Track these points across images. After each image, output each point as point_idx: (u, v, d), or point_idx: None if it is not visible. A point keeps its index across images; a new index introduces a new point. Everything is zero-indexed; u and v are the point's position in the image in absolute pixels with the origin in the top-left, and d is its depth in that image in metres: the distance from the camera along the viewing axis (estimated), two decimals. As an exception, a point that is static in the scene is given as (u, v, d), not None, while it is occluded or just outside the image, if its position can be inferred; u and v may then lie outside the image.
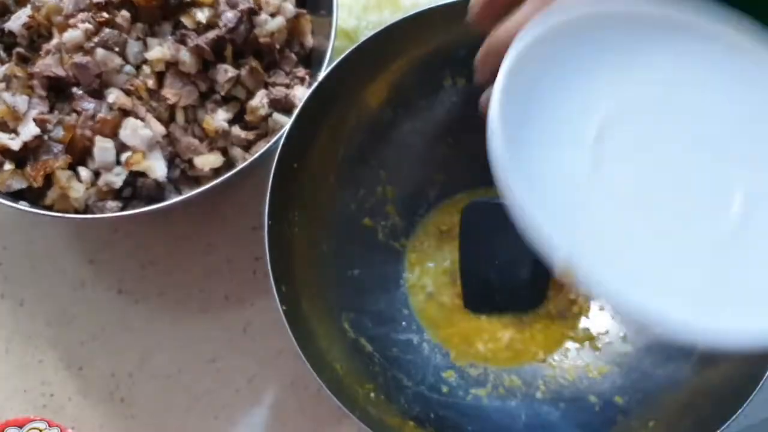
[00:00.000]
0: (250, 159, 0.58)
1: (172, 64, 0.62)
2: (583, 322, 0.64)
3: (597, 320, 0.64)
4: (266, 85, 0.64)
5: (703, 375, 0.54)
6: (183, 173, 0.63)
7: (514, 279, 0.63)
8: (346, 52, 0.58)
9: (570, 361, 0.62)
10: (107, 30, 0.60)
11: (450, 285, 0.66)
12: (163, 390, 0.64)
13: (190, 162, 0.62)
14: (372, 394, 0.55)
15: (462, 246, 0.64)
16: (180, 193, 0.63)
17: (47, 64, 0.59)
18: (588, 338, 0.63)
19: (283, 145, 0.54)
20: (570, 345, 0.63)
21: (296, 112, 0.56)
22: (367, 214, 0.65)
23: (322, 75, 0.57)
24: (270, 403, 0.64)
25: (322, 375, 0.49)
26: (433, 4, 0.59)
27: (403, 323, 0.64)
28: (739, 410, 0.49)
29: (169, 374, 0.65)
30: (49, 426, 0.53)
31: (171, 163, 0.63)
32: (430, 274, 0.66)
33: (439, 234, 0.68)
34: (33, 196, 0.60)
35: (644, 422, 0.54)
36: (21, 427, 0.53)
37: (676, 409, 0.54)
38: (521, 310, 0.64)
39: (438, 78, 0.64)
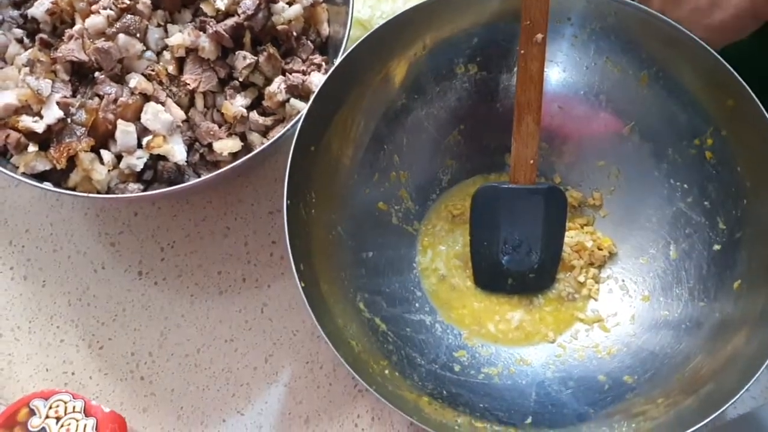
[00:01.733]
0: (267, 143, 0.60)
1: (191, 51, 0.63)
2: (592, 305, 0.65)
3: (606, 302, 0.65)
4: (283, 72, 0.65)
5: (711, 352, 0.56)
6: (202, 157, 0.64)
7: (524, 261, 0.64)
8: (361, 39, 0.59)
9: (579, 342, 0.63)
10: (129, 16, 0.62)
11: (462, 268, 0.67)
12: (182, 369, 0.66)
13: (209, 146, 0.64)
14: (387, 371, 0.57)
15: (473, 229, 0.65)
16: (199, 177, 0.64)
17: (70, 49, 0.61)
18: (597, 320, 0.64)
19: (301, 128, 0.56)
20: (579, 326, 0.64)
21: (312, 97, 0.57)
22: (381, 198, 0.67)
23: (337, 61, 0.59)
24: (286, 381, 0.65)
25: (339, 350, 0.51)
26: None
27: (416, 304, 0.65)
28: (744, 388, 0.50)
29: (187, 353, 0.66)
30: (74, 398, 0.54)
31: (190, 147, 0.64)
32: (442, 257, 0.68)
33: (451, 218, 0.69)
34: (56, 177, 0.61)
35: (653, 399, 0.55)
36: (47, 398, 0.54)
37: (683, 386, 0.55)
38: (531, 291, 0.66)
39: (450, 65, 0.65)
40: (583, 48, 0.64)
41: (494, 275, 0.66)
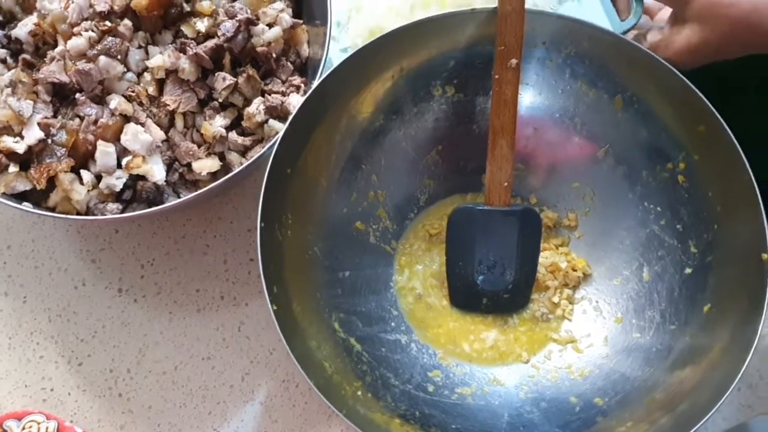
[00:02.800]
0: (245, 164, 0.60)
1: (172, 72, 0.64)
2: (566, 325, 0.66)
3: (580, 323, 0.66)
4: (263, 93, 0.66)
5: (680, 376, 0.56)
6: (181, 177, 0.65)
7: (498, 282, 0.65)
8: (339, 62, 0.60)
9: (553, 363, 0.64)
10: (110, 38, 0.62)
11: (438, 287, 0.68)
12: (160, 386, 0.67)
13: (188, 166, 0.65)
14: (359, 392, 0.58)
15: (448, 249, 0.66)
16: (178, 196, 0.65)
17: (52, 71, 0.61)
18: (570, 341, 0.65)
19: (277, 150, 0.57)
20: (553, 347, 0.65)
21: (290, 118, 0.58)
22: (359, 218, 0.67)
23: (315, 83, 0.60)
24: (262, 399, 0.66)
25: (310, 373, 0.51)
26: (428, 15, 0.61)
27: (392, 323, 0.66)
28: (715, 408, 0.51)
29: (165, 371, 0.67)
30: (47, 419, 0.55)
31: (170, 167, 0.65)
32: (419, 276, 0.69)
33: (428, 237, 0.70)
34: (36, 197, 0.62)
35: (623, 422, 0.56)
36: (20, 419, 0.55)
37: (654, 409, 0.56)
38: (506, 311, 0.66)
39: (428, 87, 0.66)
40: (558, 72, 0.65)
41: (469, 295, 0.66)
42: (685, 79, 0.58)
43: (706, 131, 0.58)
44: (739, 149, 0.55)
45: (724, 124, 0.56)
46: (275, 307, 0.53)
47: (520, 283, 0.65)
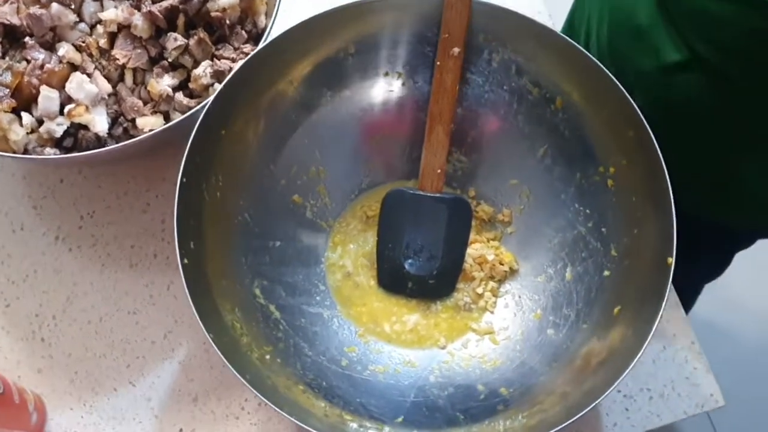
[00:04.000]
0: (183, 116, 0.61)
1: (125, 27, 0.65)
2: (487, 317, 0.67)
3: (500, 316, 0.66)
4: (213, 57, 0.67)
5: (579, 376, 0.57)
6: (125, 131, 0.66)
7: (424, 267, 0.66)
8: (284, 30, 0.61)
9: (468, 351, 0.65)
10: (65, -14, 0.63)
11: (368, 267, 0.69)
12: (83, 335, 0.67)
13: (133, 122, 0.66)
14: (268, 356, 0.58)
15: (380, 230, 0.67)
16: (120, 150, 0.66)
17: (3, 12, 0.63)
18: (488, 332, 0.66)
19: (209, 108, 0.57)
20: (471, 336, 0.66)
21: (227, 78, 0.59)
22: (297, 191, 0.68)
23: (257, 48, 0.61)
24: (181, 359, 0.67)
25: (210, 327, 0.52)
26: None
27: (317, 297, 0.67)
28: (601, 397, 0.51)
29: (90, 320, 0.68)
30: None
31: (115, 120, 0.66)
32: (350, 255, 0.69)
33: (365, 218, 0.71)
34: (-24, 135, 0.63)
35: (516, 415, 0.57)
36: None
37: (549, 403, 0.56)
38: (430, 297, 0.67)
39: (376, 69, 0.67)
40: (504, 68, 0.65)
41: (396, 277, 0.67)
42: (620, 85, 0.59)
43: (634, 136, 0.59)
44: (660, 157, 0.56)
45: (650, 131, 0.57)
46: (186, 261, 0.54)
47: (446, 270, 0.66)
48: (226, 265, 0.60)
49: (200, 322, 0.52)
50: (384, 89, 0.68)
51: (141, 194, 0.73)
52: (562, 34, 0.63)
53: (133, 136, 0.66)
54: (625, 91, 0.59)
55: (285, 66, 0.63)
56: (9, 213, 0.72)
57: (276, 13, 0.64)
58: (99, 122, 0.64)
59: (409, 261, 0.66)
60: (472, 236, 0.68)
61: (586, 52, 0.61)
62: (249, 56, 0.60)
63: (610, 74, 0.60)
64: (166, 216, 0.72)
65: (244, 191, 0.64)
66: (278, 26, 0.64)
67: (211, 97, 0.58)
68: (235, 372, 0.51)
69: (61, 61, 0.63)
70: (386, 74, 0.67)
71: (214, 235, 0.60)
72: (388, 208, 0.66)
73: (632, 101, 0.58)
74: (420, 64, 0.67)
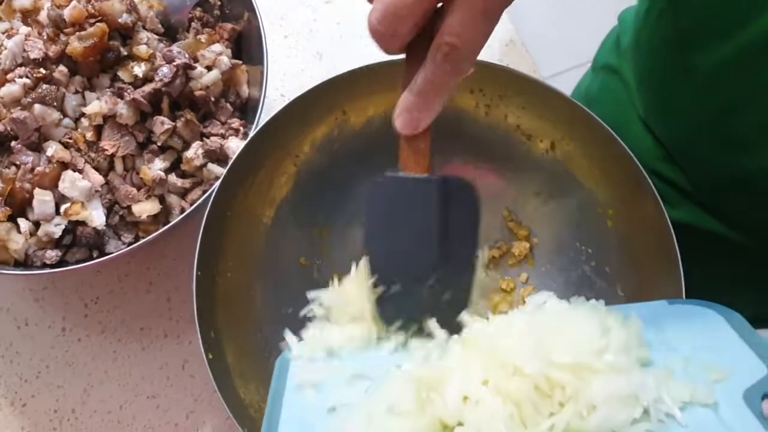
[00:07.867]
0: (188, 210, 0.61)
1: (110, 117, 0.64)
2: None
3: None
4: (202, 136, 0.67)
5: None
6: (122, 219, 0.66)
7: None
8: (278, 109, 0.60)
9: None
10: (45, 86, 0.62)
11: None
12: (105, 426, 0.67)
13: (128, 209, 0.65)
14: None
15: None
16: (119, 238, 0.66)
17: (-15, 120, 0.61)
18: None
19: (215, 198, 0.57)
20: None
21: (228, 167, 0.59)
22: (303, 254, 0.68)
23: (253, 131, 0.60)
24: (207, 437, 0.67)
25: (238, 414, 0.53)
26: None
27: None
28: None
29: (110, 410, 0.68)
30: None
31: (110, 209, 0.65)
32: (362, 311, 0.70)
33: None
34: (-26, 245, 0.62)
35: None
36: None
37: None
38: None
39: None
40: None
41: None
42: (616, 135, 0.60)
43: (634, 187, 0.60)
44: (662, 204, 0.57)
45: (645, 174, 0.58)
46: (210, 356, 0.54)
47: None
48: (244, 344, 0.61)
49: (229, 412, 0.52)
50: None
51: (142, 274, 0.72)
52: (548, 84, 0.64)
53: (129, 223, 0.66)
54: (618, 137, 0.60)
55: (284, 141, 0.63)
56: (11, 309, 0.71)
57: (265, 86, 0.64)
58: (96, 216, 0.63)
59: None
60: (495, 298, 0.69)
61: (574, 100, 0.62)
62: (247, 140, 0.59)
63: (604, 124, 0.60)
64: (170, 294, 0.72)
65: (253, 266, 0.64)
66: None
67: (216, 187, 0.58)
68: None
69: (50, 161, 0.62)
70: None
71: (229, 316, 0.60)
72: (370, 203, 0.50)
73: (629, 150, 0.59)
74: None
